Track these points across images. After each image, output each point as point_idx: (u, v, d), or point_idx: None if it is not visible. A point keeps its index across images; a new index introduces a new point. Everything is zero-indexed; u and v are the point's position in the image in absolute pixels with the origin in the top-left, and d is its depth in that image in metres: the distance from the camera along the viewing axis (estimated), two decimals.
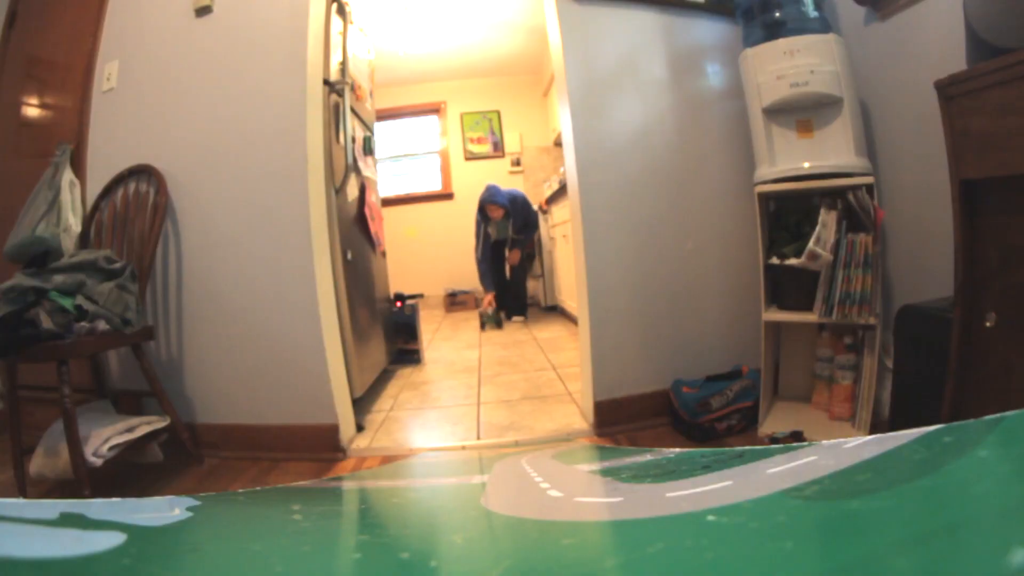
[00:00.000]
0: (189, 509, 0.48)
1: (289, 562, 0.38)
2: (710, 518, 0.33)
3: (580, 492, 0.61)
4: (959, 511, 0.25)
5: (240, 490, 0.76)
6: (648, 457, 0.67)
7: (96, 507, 0.41)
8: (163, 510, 0.46)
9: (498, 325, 4.48)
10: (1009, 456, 0.28)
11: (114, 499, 0.43)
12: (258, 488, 0.75)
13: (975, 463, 0.29)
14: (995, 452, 0.28)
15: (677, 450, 0.64)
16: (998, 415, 0.30)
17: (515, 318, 4.66)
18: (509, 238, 4.60)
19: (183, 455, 1.95)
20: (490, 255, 4.59)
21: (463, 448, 1.98)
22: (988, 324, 1.18)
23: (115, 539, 0.35)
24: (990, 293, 1.19)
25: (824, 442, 0.42)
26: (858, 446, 0.38)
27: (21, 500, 0.38)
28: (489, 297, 4.57)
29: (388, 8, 4.18)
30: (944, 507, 0.26)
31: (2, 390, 1.76)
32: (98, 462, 1.60)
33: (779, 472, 0.39)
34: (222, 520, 0.53)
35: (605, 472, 0.68)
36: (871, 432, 1.63)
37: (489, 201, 4.38)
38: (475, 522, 0.50)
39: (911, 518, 0.25)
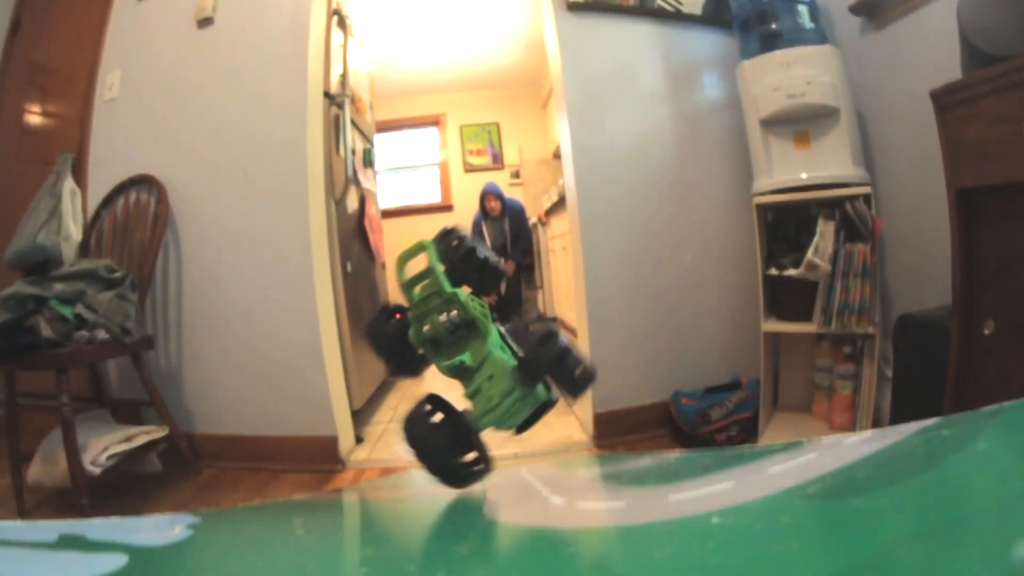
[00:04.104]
0: (190, 527, 0.47)
1: None
2: (715, 520, 0.33)
3: (582, 497, 0.61)
4: (962, 505, 0.25)
5: (240, 505, 0.75)
6: (648, 461, 0.67)
7: (95, 527, 0.40)
8: (163, 529, 0.46)
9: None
10: (1009, 447, 0.28)
11: (113, 518, 0.43)
12: (257, 503, 0.75)
13: (975, 456, 0.29)
14: (994, 444, 0.29)
15: (677, 452, 0.64)
16: (996, 406, 0.30)
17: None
18: (506, 244, 4.74)
19: (181, 465, 1.94)
20: None
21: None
22: (987, 332, 1.18)
23: (117, 561, 0.34)
24: (988, 301, 1.19)
25: (824, 439, 0.42)
26: (857, 442, 0.38)
27: (19, 523, 0.38)
28: (491, 296, 4.69)
29: (388, 20, 4.20)
30: (948, 502, 0.26)
31: (0, 397, 1.76)
32: (96, 471, 1.59)
33: (781, 471, 0.39)
34: (224, 538, 0.52)
35: (606, 476, 0.68)
36: None
37: (489, 191, 4.68)
38: (478, 532, 0.50)
39: (916, 514, 0.25)
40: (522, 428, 0.58)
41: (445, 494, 0.74)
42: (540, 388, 0.56)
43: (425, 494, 0.76)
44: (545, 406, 0.57)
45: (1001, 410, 0.29)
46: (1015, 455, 0.28)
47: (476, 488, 0.66)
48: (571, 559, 0.39)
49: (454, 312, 0.53)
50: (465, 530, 0.51)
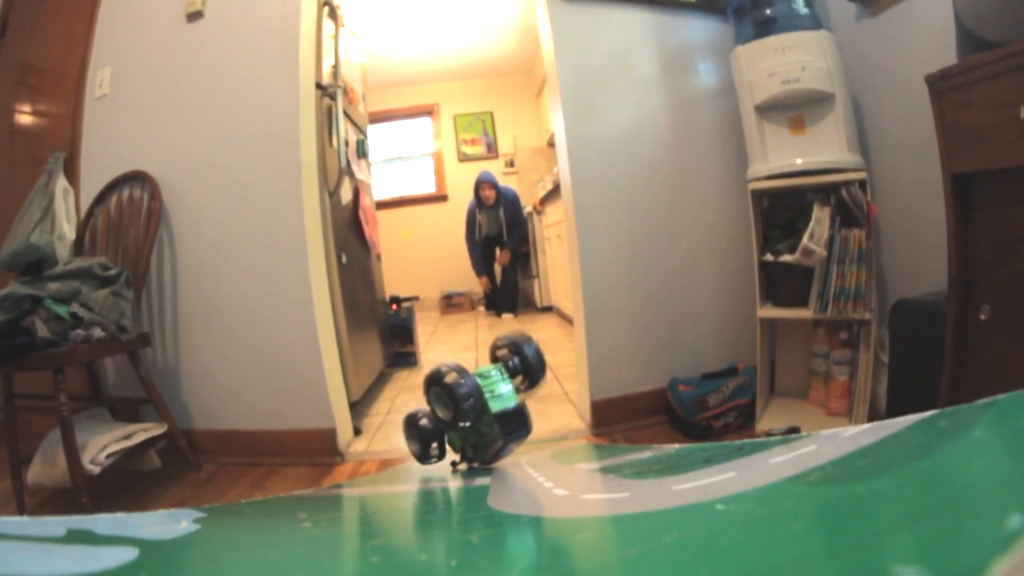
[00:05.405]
0: (196, 521, 0.47)
1: (309, 570, 0.38)
2: (719, 507, 0.34)
3: (586, 490, 0.61)
4: (956, 487, 0.26)
5: (243, 501, 0.75)
6: (648, 454, 0.67)
7: (102, 523, 0.40)
8: (170, 523, 0.46)
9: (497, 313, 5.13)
10: (1001, 435, 0.29)
11: (118, 514, 0.43)
12: (259, 499, 0.75)
13: (970, 444, 0.29)
14: (988, 433, 0.29)
15: (676, 446, 0.65)
16: (991, 399, 0.30)
17: (505, 315, 5.01)
18: (503, 232, 4.87)
19: (181, 462, 1.94)
20: (481, 250, 5.05)
21: None
22: (982, 317, 1.19)
23: (128, 554, 0.35)
24: (984, 286, 1.20)
25: (823, 432, 0.42)
26: (856, 434, 0.38)
27: (25, 518, 0.38)
28: (484, 280, 5.13)
29: (380, 11, 4.18)
30: (942, 484, 0.26)
31: None
32: (96, 470, 1.59)
33: (781, 462, 0.40)
34: (233, 531, 0.52)
35: (607, 470, 0.68)
36: None
37: (484, 179, 4.82)
38: (486, 522, 0.50)
39: (912, 496, 0.26)
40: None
41: (449, 487, 0.74)
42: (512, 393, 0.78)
43: (428, 487, 0.76)
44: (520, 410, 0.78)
45: (995, 401, 0.30)
46: (1008, 442, 0.29)
47: (479, 481, 0.66)
48: (580, 544, 0.39)
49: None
50: (472, 520, 0.52)
